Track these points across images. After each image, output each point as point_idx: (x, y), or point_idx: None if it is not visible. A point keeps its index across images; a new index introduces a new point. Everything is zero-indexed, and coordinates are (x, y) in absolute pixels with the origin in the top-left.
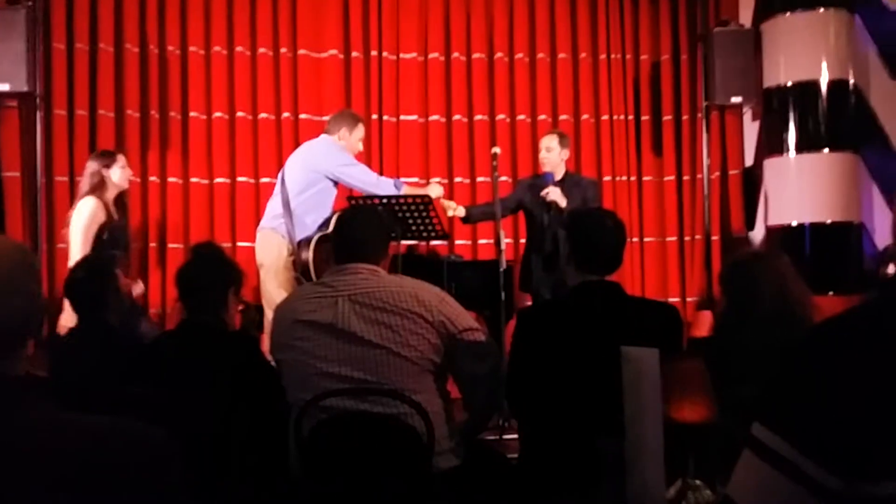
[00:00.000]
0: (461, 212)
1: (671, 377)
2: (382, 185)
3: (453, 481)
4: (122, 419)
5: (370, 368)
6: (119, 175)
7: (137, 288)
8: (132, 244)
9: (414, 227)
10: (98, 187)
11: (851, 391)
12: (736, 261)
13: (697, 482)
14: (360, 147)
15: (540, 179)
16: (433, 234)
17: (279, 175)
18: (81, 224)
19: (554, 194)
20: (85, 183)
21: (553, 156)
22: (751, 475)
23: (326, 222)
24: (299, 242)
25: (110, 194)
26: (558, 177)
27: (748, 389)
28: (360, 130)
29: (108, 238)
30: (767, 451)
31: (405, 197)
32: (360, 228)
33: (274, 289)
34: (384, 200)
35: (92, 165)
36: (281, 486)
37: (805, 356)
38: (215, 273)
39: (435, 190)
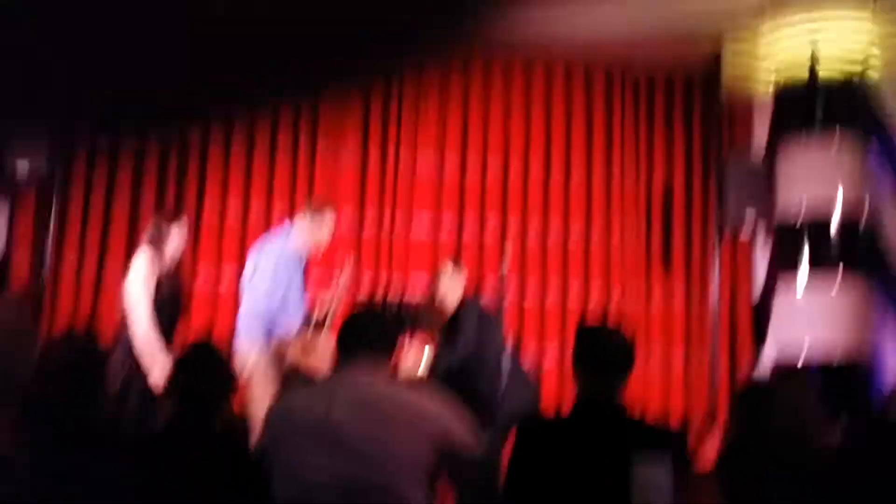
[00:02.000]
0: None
1: (684, 495)
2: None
3: None
4: None
5: (361, 470)
6: (178, 240)
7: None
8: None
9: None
10: (155, 242)
11: None
12: (749, 386)
13: None
14: (326, 239)
15: None
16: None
17: None
18: (136, 281)
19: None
20: (146, 238)
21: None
22: None
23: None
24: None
25: (168, 253)
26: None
27: None
28: (326, 219)
29: (166, 296)
30: None
31: None
32: (364, 328)
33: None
34: None
35: (151, 227)
36: None
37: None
38: (217, 382)
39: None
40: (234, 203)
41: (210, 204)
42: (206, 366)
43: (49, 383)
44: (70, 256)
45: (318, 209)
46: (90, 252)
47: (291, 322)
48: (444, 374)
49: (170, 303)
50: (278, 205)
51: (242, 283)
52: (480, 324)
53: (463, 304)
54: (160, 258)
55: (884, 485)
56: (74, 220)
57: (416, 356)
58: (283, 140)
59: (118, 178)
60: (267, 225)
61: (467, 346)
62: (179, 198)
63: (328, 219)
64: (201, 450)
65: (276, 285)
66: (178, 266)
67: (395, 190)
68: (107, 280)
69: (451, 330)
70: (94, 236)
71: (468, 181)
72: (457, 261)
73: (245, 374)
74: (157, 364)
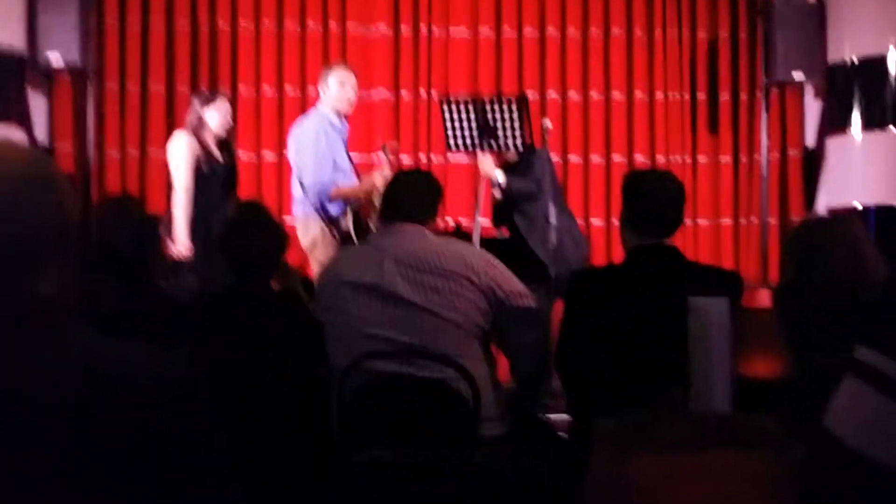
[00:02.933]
0: (500, 175)
1: (742, 331)
2: (315, 189)
3: (499, 448)
4: (159, 350)
5: (415, 331)
6: (216, 119)
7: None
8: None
9: (501, 134)
10: (196, 127)
11: None
12: (806, 223)
13: None
14: (350, 95)
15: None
16: (519, 142)
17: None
18: (177, 158)
19: (489, 168)
20: (186, 122)
21: None
22: (856, 404)
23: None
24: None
25: (208, 135)
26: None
27: (822, 355)
28: (336, 78)
29: (209, 173)
30: (877, 375)
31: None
32: (409, 188)
33: None
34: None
35: (193, 104)
36: (323, 448)
37: None
38: (268, 236)
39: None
40: (267, 85)
41: (245, 87)
42: (254, 223)
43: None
44: (112, 144)
45: (328, 71)
46: (131, 139)
47: (349, 183)
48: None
49: (218, 180)
50: (312, 88)
51: (291, 161)
52: (548, 171)
53: (532, 148)
54: (199, 139)
55: None
56: (112, 108)
57: (490, 165)
58: (313, 23)
59: (151, 63)
60: (302, 107)
61: (531, 185)
62: (213, 80)
63: (347, 78)
64: (259, 309)
65: (322, 156)
66: (226, 144)
67: (430, 69)
68: (150, 165)
69: (518, 169)
70: (133, 123)
71: (504, 52)
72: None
73: (309, 243)
74: (182, 227)
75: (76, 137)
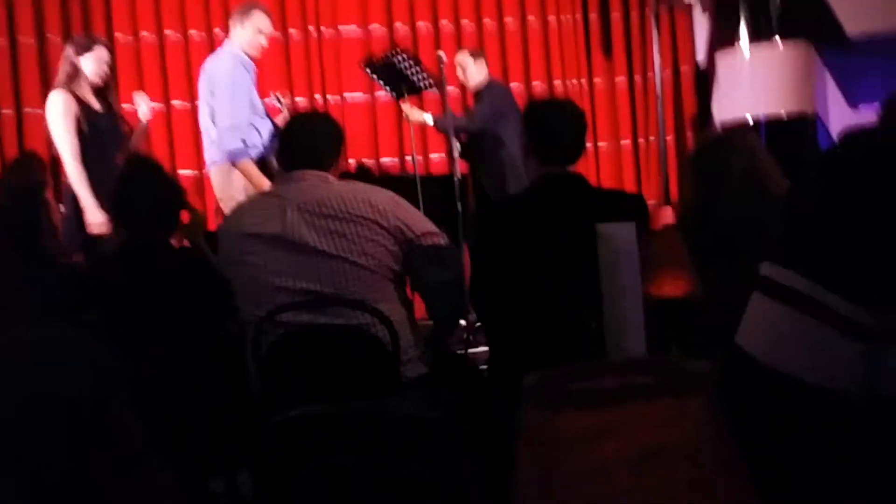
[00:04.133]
0: (429, 118)
1: (649, 253)
2: (231, 134)
3: (421, 388)
4: (57, 329)
5: (326, 280)
6: (91, 68)
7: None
8: (125, 142)
9: (414, 79)
10: (69, 77)
11: (878, 211)
12: (704, 140)
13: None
14: (263, 42)
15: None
16: (428, 82)
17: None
18: (55, 121)
19: (414, 116)
20: (59, 72)
21: (470, 72)
22: (764, 319)
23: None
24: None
25: (83, 84)
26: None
27: (727, 268)
28: (254, 25)
29: (88, 130)
30: (783, 290)
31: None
32: (308, 134)
33: None
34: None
35: (67, 52)
36: (242, 405)
37: (822, 181)
38: (161, 192)
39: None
40: (146, 32)
41: (121, 35)
42: (145, 180)
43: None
44: None
45: (246, 13)
46: (4, 97)
47: (265, 126)
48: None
49: (104, 135)
50: (194, 32)
51: (201, 103)
52: (501, 104)
53: (488, 85)
54: (77, 92)
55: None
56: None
57: (413, 111)
58: None
59: (18, 15)
60: (184, 51)
61: (485, 120)
62: (87, 28)
63: (261, 19)
64: (157, 268)
65: (239, 98)
66: (104, 93)
67: (317, 4)
68: (27, 124)
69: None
70: (4, 80)
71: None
72: (474, 49)
73: (231, 188)
74: (89, 201)
75: None
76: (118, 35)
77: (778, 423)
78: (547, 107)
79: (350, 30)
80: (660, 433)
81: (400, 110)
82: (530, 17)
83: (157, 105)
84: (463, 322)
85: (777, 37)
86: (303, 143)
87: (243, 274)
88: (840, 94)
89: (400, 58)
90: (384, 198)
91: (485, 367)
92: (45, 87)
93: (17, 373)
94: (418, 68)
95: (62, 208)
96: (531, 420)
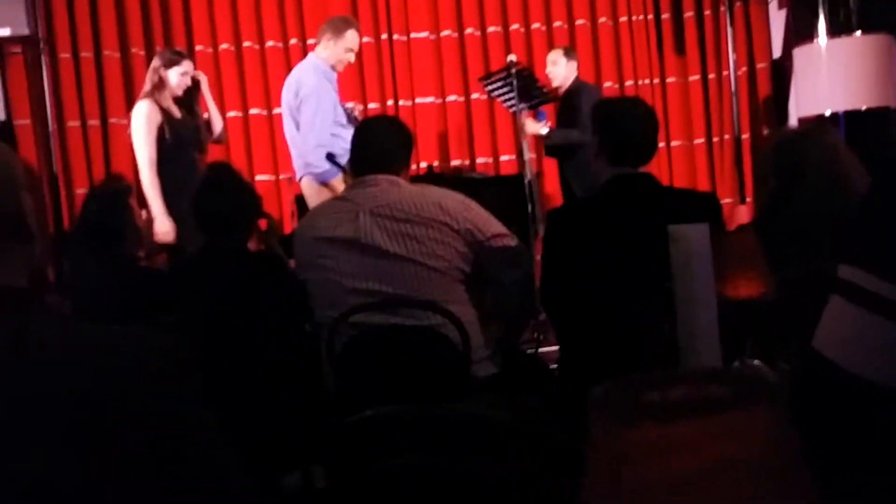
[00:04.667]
0: (544, 130)
1: (723, 253)
2: (314, 159)
3: (493, 388)
4: (133, 328)
5: (398, 282)
6: (175, 79)
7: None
8: (203, 147)
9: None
10: (155, 88)
11: None
12: (782, 136)
13: (756, 362)
14: (351, 59)
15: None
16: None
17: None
18: (138, 130)
19: (530, 128)
20: (146, 82)
21: (559, 69)
22: (842, 322)
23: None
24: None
25: (166, 95)
26: (562, 89)
27: (804, 266)
28: (346, 43)
29: (171, 138)
30: (862, 293)
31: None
32: (378, 138)
33: None
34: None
35: (154, 63)
36: (317, 405)
37: (892, 185)
38: (238, 197)
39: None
40: (225, 44)
41: (202, 47)
42: (223, 185)
43: None
44: (71, 115)
45: (340, 31)
46: (90, 108)
47: (349, 134)
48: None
49: (179, 142)
50: (272, 43)
51: (284, 113)
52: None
53: (583, 87)
54: (161, 102)
55: None
56: (68, 78)
57: (532, 125)
58: None
59: (103, 29)
60: (262, 62)
61: (573, 134)
62: (168, 41)
63: (353, 38)
64: (235, 272)
65: (325, 112)
66: (186, 103)
67: (388, 10)
68: (112, 134)
69: (564, 111)
70: (90, 92)
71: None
72: (568, 48)
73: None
74: (159, 210)
75: (34, 112)
76: (199, 48)
77: (857, 429)
78: (615, 106)
79: (422, 36)
80: (730, 447)
81: (513, 121)
82: (602, 19)
83: (236, 113)
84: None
85: (857, 30)
86: (373, 148)
87: (318, 277)
88: None
89: (517, 72)
90: (454, 200)
91: (555, 366)
92: (129, 98)
93: (89, 379)
94: (535, 82)
95: (145, 214)
96: (599, 432)
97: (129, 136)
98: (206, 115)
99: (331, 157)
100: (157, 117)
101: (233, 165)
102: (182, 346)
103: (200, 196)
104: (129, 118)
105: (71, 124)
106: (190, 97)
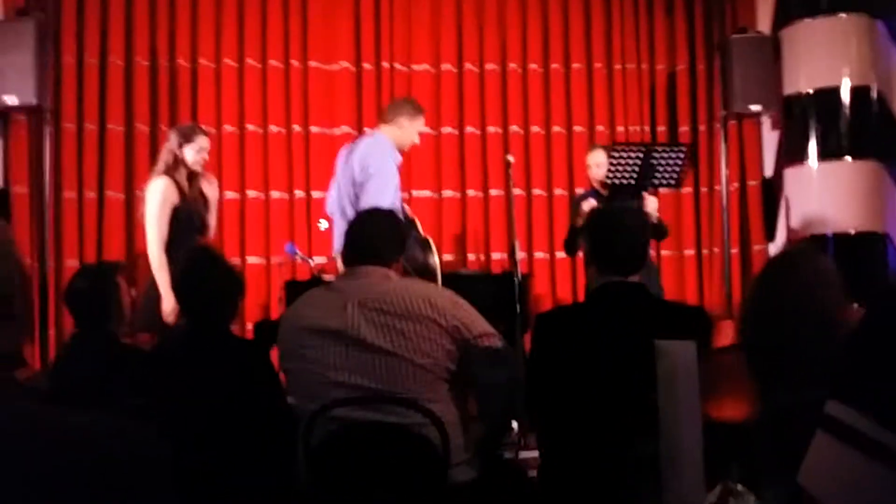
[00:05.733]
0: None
1: (710, 373)
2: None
3: (469, 495)
4: (109, 418)
5: (382, 377)
6: (192, 156)
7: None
8: (209, 228)
9: (659, 174)
10: (172, 166)
11: None
12: (773, 257)
13: (740, 487)
14: (415, 140)
15: (587, 195)
16: (674, 180)
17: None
18: (153, 207)
19: (652, 205)
20: (160, 159)
21: (603, 171)
22: (828, 460)
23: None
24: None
25: (183, 173)
26: (604, 190)
27: (791, 392)
28: (415, 127)
29: (183, 220)
30: (847, 430)
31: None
32: (371, 230)
33: None
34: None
35: (170, 140)
36: (289, 496)
37: (884, 320)
38: (220, 280)
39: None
40: (229, 126)
41: (206, 126)
42: (205, 268)
43: None
44: (69, 186)
45: (415, 113)
46: (88, 180)
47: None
48: None
49: (189, 224)
50: (273, 125)
51: (338, 188)
52: None
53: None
54: (178, 180)
55: None
56: (69, 148)
57: (655, 205)
58: (274, 60)
59: (109, 102)
60: (263, 143)
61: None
62: (173, 119)
63: (421, 126)
64: (213, 356)
65: (392, 193)
66: (196, 179)
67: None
68: (108, 207)
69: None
70: (90, 164)
71: (466, 88)
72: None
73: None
74: (166, 289)
75: (32, 180)
76: (225, 127)
77: None
78: (606, 215)
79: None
80: None
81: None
82: (599, 128)
83: (233, 195)
84: (515, 425)
85: (847, 155)
86: (366, 240)
87: (300, 367)
88: None
89: (648, 150)
90: (443, 297)
91: (534, 473)
92: (128, 173)
93: (55, 452)
94: (676, 168)
95: (133, 292)
96: None
97: (124, 207)
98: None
99: None
100: (174, 197)
101: (215, 248)
102: (152, 435)
103: (181, 279)
104: (126, 192)
105: (68, 195)
106: (199, 179)
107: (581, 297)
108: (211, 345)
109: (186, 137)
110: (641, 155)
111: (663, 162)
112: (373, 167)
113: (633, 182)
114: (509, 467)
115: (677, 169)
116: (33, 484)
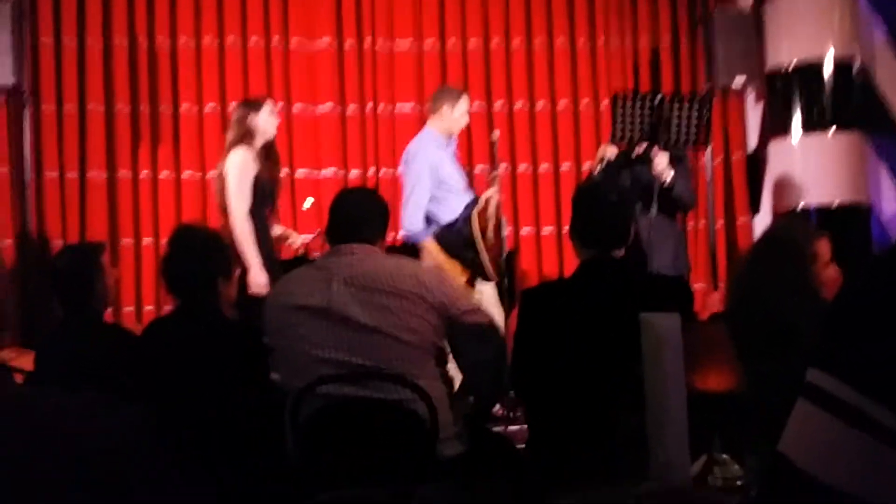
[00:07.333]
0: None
1: (694, 344)
2: (405, 218)
3: (458, 469)
4: (94, 397)
5: (369, 353)
6: (266, 121)
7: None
8: (278, 199)
9: (675, 131)
10: (245, 136)
11: None
12: (761, 235)
13: (724, 457)
14: (464, 122)
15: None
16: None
17: None
18: (235, 179)
19: (661, 163)
20: (230, 133)
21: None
22: (808, 428)
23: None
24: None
25: (258, 143)
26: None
27: (774, 361)
28: (461, 108)
29: (258, 191)
30: (828, 398)
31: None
32: (355, 208)
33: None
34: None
35: (238, 112)
36: (278, 473)
37: (873, 285)
38: (204, 259)
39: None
40: (211, 103)
41: (187, 105)
42: (187, 247)
43: None
44: (50, 166)
45: (456, 97)
46: (69, 161)
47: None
48: None
49: (264, 197)
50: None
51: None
52: None
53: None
54: (252, 154)
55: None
56: (49, 129)
57: (665, 163)
58: (256, 37)
59: (89, 82)
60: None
61: (690, 193)
62: (154, 98)
63: (468, 106)
64: (199, 333)
65: (419, 199)
66: (271, 153)
67: (375, 82)
68: (90, 188)
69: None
70: (71, 145)
71: (449, 65)
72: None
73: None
74: (255, 261)
75: (13, 161)
76: (184, 106)
77: None
78: (591, 191)
79: (407, 106)
80: None
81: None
82: (584, 100)
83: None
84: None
85: (830, 127)
86: (350, 218)
87: (286, 344)
88: (894, 185)
89: (676, 107)
90: (430, 273)
91: (523, 446)
92: (110, 153)
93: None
94: (693, 125)
95: (116, 272)
96: None
97: (219, 185)
98: None
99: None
100: (255, 166)
101: (204, 225)
102: (138, 414)
103: (167, 259)
104: (108, 172)
105: (49, 175)
106: (273, 147)
107: (567, 273)
108: (197, 325)
109: (253, 107)
110: (649, 107)
111: (678, 116)
112: (408, 165)
113: (639, 138)
114: (498, 440)
115: (696, 124)
116: (19, 464)
